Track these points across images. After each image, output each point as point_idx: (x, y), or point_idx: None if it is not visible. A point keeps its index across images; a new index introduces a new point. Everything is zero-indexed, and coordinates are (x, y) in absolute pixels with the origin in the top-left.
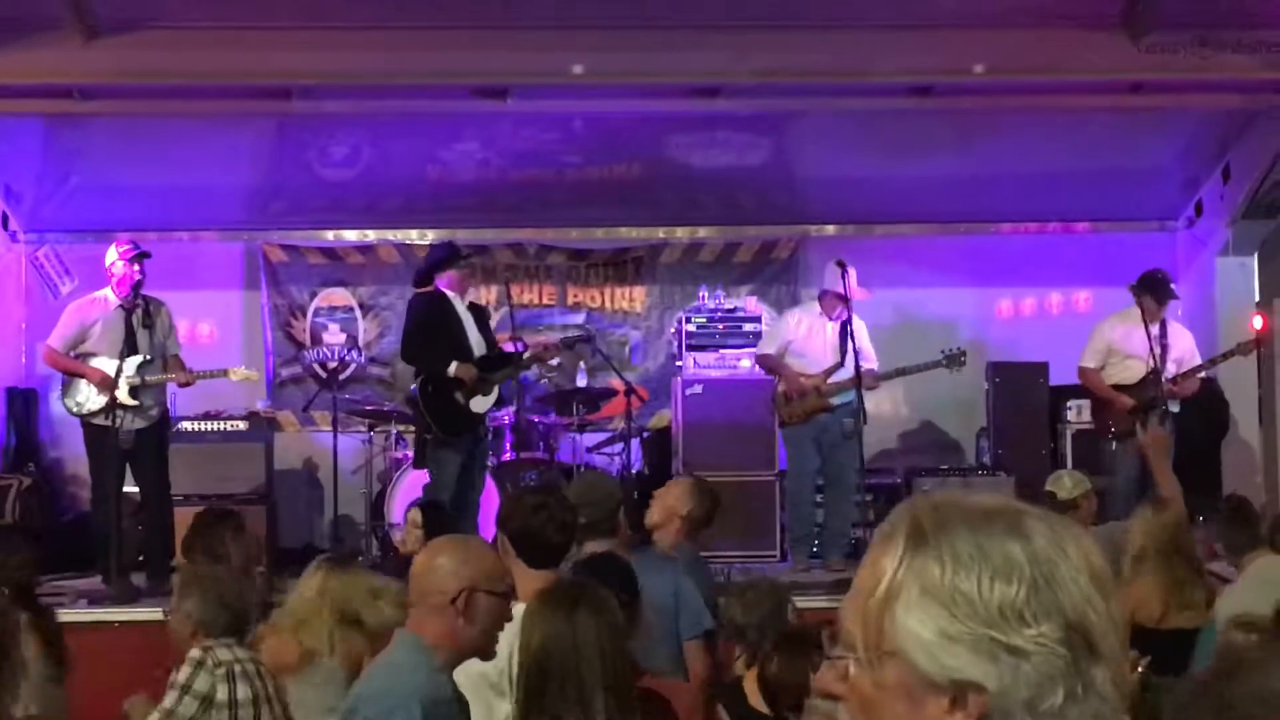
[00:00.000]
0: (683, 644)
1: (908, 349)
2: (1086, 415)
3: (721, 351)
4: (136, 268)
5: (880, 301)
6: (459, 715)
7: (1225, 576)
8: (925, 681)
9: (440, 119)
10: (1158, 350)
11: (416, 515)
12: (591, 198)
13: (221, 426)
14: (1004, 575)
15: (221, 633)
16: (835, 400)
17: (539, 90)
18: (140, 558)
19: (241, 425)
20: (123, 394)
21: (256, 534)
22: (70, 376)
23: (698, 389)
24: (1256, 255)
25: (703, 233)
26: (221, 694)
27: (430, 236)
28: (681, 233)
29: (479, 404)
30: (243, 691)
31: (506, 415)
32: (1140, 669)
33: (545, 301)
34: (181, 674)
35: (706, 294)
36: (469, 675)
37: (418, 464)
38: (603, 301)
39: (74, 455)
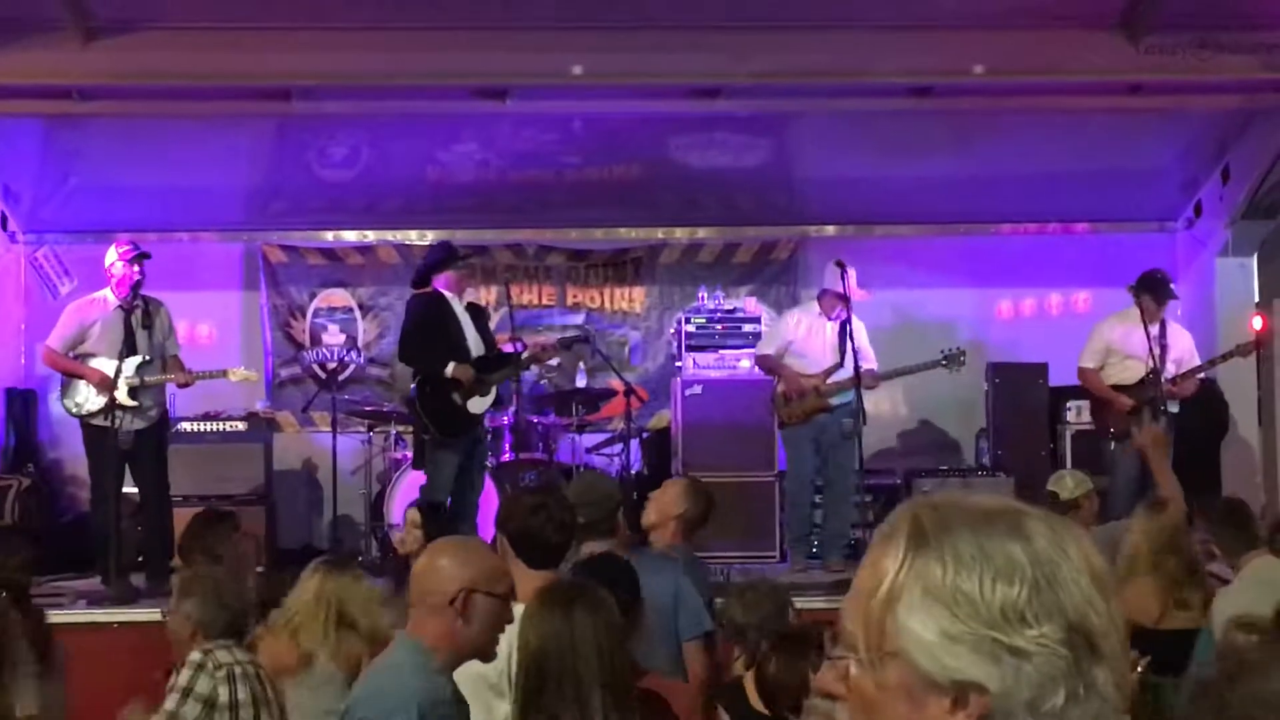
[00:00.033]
0: (682, 645)
1: (907, 350)
2: (1086, 416)
3: (721, 352)
4: (136, 268)
5: (880, 302)
6: (458, 717)
7: (1224, 577)
8: (927, 682)
9: (440, 120)
10: (1157, 351)
11: (415, 516)
12: (591, 198)
13: (221, 427)
14: (1006, 576)
15: (220, 634)
16: (835, 400)
17: (538, 91)
18: (139, 558)
19: (241, 426)
20: (122, 395)
21: (255, 535)
22: (69, 377)
23: (697, 389)
24: (1256, 256)
25: (702, 233)
26: (223, 696)
27: (430, 237)
28: (681, 233)
29: (476, 405)
30: (243, 693)
31: (506, 416)
32: (1140, 669)
33: (545, 302)
34: (182, 677)
35: (706, 295)
36: (468, 676)
37: (417, 465)
38: (602, 302)
39: (73, 456)
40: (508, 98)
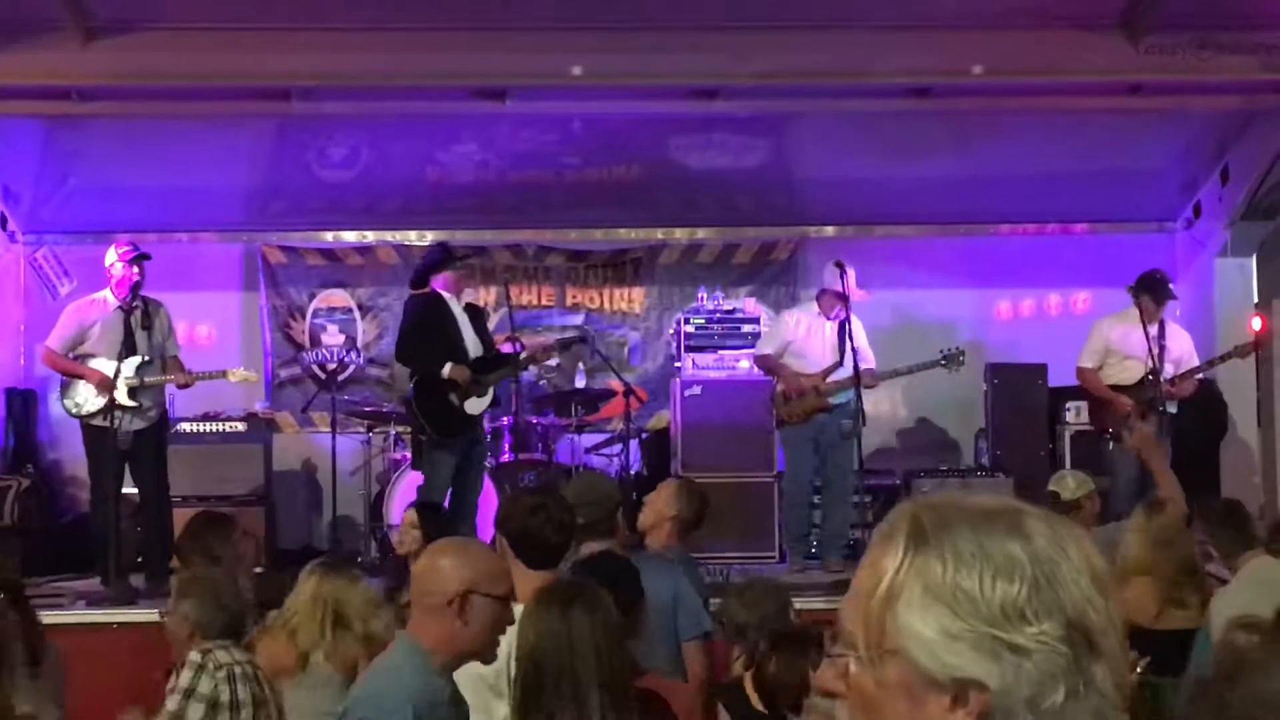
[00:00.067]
0: (681, 645)
1: (907, 350)
2: (1085, 416)
3: (720, 353)
4: (135, 269)
5: (879, 303)
6: (457, 718)
7: (1223, 578)
8: (927, 680)
9: (439, 120)
10: (1156, 351)
11: (412, 516)
12: (590, 199)
13: (220, 428)
14: (1005, 574)
15: (218, 634)
16: (834, 399)
17: (538, 91)
18: (139, 559)
19: (240, 426)
20: (121, 395)
21: (254, 535)
22: (69, 377)
23: (696, 390)
24: (1255, 257)
25: (701, 234)
26: (224, 696)
27: (429, 238)
28: (680, 234)
29: (473, 405)
30: (244, 693)
31: (505, 417)
32: (1140, 670)
33: (544, 302)
34: (183, 678)
35: (705, 295)
36: (466, 677)
37: (416, 465)
38: (601, 302)
39: (73, 456)
40: (507, 98)
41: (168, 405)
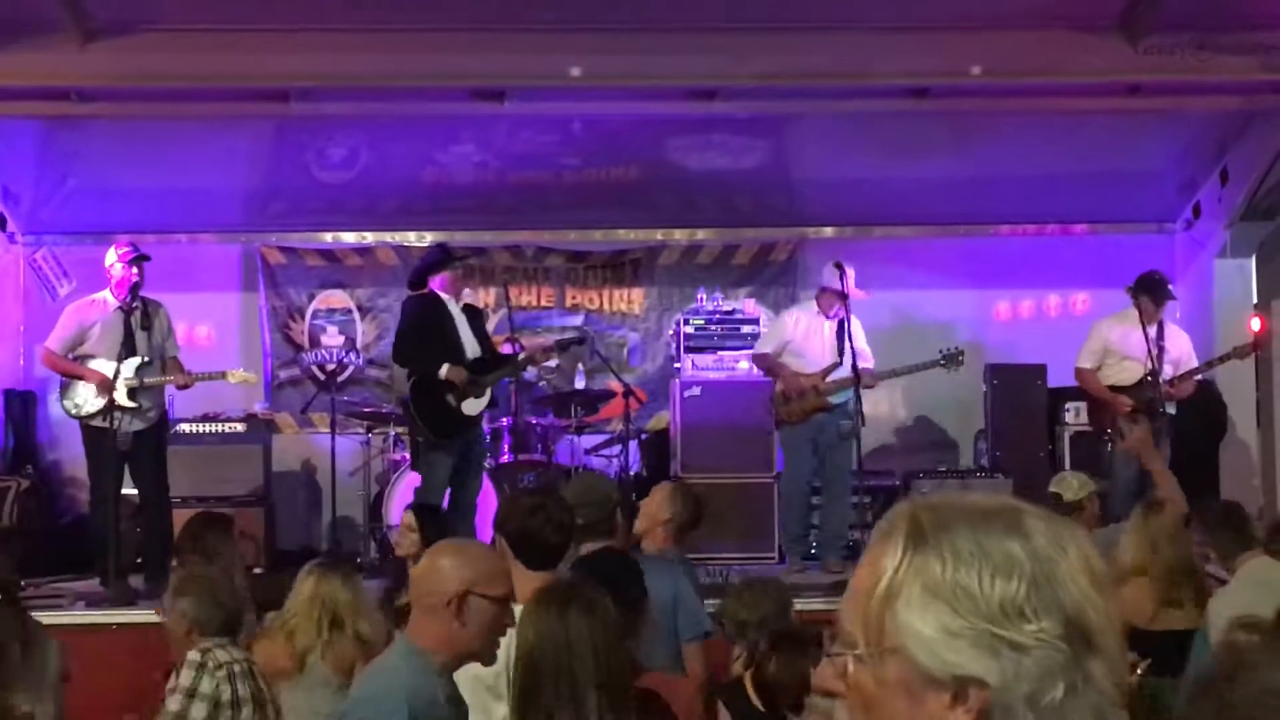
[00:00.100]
0: (681, 645)
1: (906, 351)
2: (1084, 417)
3: (720, 353)
4: (135, 270)
5: (878, 303)
6: (456, 719)
7: (1222, 578)
8: (926, 677)
9: (438, 121)
10: (1155, 352)
11: (410, 518)
12: (590, 200)
13: (220, 428)
14: (1005, 572)
15: (216, 632)
16: (833, 399)
17: (537, 92)
18: (138, 560)
19: (240, 427)
20: (121, 396)
21: (254, 536)
22: (69, 378)
23: (696, 391)
24: (1254, 257)
25: (701, 235)
26: (226, 694)
27: (428, 238)
28: (680, 235)
29: (471, 406)
30: (243, 691)
31: (505, 418)
32: (1139, 671)
33: (544, 303)
34: (184, 677)
35: (705, 296)
36: (465, 678)
37: (415, 466)
38: (601, 303)
39: (72, 457)
40: (506, 99)
41: (167, 406)
